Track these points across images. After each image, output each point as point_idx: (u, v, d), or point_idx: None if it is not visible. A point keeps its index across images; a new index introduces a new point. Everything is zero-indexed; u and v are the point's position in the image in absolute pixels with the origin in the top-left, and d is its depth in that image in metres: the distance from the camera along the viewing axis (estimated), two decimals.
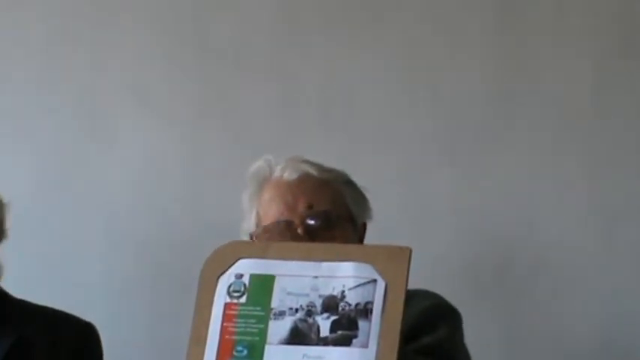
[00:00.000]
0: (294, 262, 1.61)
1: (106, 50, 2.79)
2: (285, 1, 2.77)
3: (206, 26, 2.78)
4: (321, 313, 1.57)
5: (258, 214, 2.03)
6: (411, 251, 1.58)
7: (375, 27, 2.74)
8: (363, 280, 1.58)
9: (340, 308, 1.56)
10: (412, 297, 1.68)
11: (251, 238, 2.02)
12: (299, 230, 1.95)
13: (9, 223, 2.26)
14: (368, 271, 1.58)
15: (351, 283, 1.58)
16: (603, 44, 2.71)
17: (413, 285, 1.62)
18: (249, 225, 2.04)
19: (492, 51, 2.73)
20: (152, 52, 2.78)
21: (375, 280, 1.57)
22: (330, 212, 2.00)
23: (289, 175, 2.02)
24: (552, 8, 2.72)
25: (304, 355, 1.55)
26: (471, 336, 2.00)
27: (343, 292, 1.57)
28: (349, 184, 2.09)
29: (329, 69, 2.74)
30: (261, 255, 1.62)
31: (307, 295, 1.58)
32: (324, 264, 1.59)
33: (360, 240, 2.07)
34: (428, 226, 2.69)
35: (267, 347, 1.56)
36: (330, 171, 2.08)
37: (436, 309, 1.97)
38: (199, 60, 2.77)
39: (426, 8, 2.74)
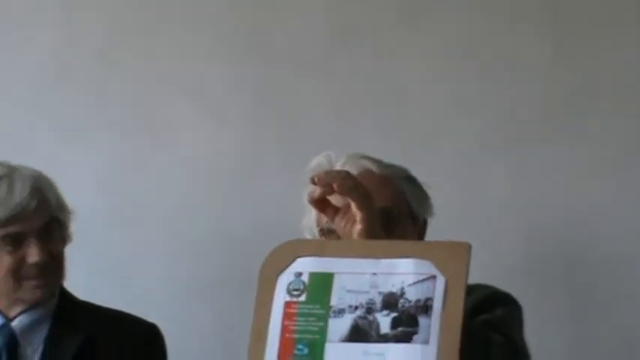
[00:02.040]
0: (352, 260, 1.59)
1: (164, 53, 2.81)
2: (337, 4, 2.77)
3: (263, 29, 2.78)
4: (381, 310, 1.55)
5: None
6: (470, 246, 1.57)
7: (425, 25, 2.72)
8: (422, 277, 1.56)
9: (400, 305, 1.55)
10: (471, 291, 1.67)
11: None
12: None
13: (73, 228, 2.29)
14: (427, 268, 1.56)
15: (411, 279, 1.56)
16: None
17: (472, 281, 1.61)
18: (309, 221, 2.04)
19: (551, 46, 2.70)
20: (210, 54, 2.80)
21: (434, 277, 1.55)
22: (390, 208, 1.99)
23: (349, 170, 2.01)
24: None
25: (365, 352, 1.54)
26: (533, 337, 1.97)
27: (403, 288, 1.56)
28: (410, 180, 2.08)
29: (381, 69, 2.73)
30: (319, 253, 1.61)
31: (367, 292, 1.56)
32: (383, 261, 1.58)
33: (421, 237, 2.06)
34: (486, 222, 2.66)
35: (327, 345, 1.55)
36: (391, 167, 2.08)
37: (495, 295, 1.96)
38: (256, 61, 2.78)
39: (477, 4, 2.72)
